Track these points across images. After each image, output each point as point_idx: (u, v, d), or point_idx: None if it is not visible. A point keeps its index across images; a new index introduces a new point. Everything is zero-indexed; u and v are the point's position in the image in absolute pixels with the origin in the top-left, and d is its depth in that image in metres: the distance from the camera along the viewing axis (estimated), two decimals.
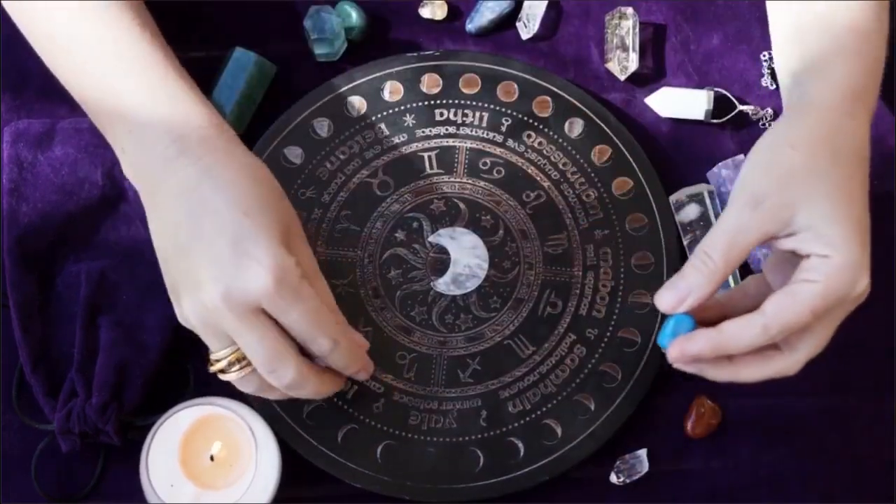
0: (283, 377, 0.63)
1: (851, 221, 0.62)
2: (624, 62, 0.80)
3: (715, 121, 0.80)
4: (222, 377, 0.65)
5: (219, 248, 0.61)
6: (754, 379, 0.64)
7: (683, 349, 0.62)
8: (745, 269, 0.76)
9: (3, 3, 0.69)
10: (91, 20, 0.65)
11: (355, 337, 0.67)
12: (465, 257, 0.76)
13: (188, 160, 0.63)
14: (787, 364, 0.63)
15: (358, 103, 0.79)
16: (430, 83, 0.79)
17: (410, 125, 0.78)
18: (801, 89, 0.67)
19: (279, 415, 0.71)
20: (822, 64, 0.67)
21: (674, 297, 0.62)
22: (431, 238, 0.76)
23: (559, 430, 0.72)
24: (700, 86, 0.81)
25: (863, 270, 0.61)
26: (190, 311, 0.62)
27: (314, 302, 0.63)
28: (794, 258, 0.63)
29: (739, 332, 0.61)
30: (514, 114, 0.79)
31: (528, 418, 0.72)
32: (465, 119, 0.79)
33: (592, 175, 0.78)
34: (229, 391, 0.70)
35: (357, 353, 0.66)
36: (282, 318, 0.62)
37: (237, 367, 0.64)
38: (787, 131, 0.64)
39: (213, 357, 0.64)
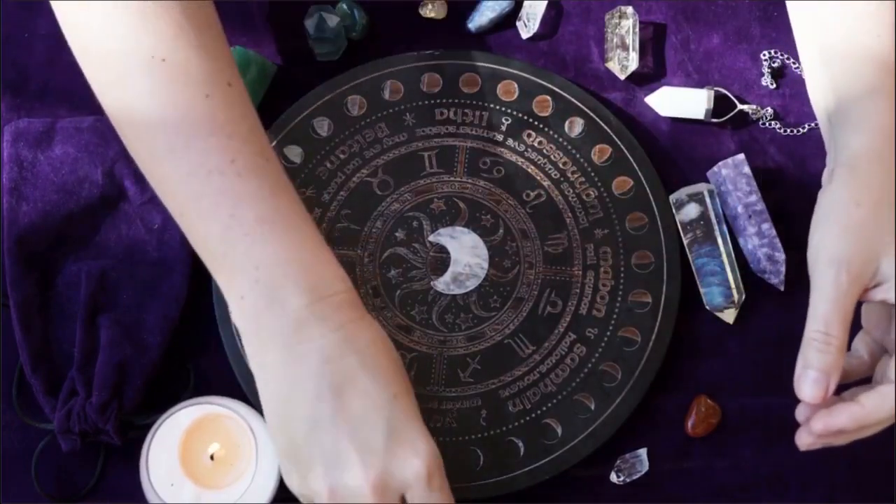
0: None
1: None
2: (624, 61, 0.80)
3: (715, 120, 0.80)
4: None
5: (371, 431, 0.59)
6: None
7: (828, 424, 0.62)
8: (745, 271, 0.76)
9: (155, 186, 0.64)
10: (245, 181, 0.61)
11: None
12: (465, 256, 0.76)
13: (326, 327, 0.60)
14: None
15: (358, 102, 0.79)
16: (431, 82, 0.79)
17: (410, 124, 0.78)
18: (844, 141, 0.67)
19: None
20: (856, 109, 0.67)
21: (818, 388, 0.62)
22: (431, 237, 0.76)
23: (559, 430, 0.72)
24: (700, 85, 0.81)
25: None
26: (323, 485, 0.59)
27: (450, 495, 0.61)
28: (887, 306, 0.65)
29: (881, 403, 0.62)
30: (515, 113, 0.79)
31: (528, 417, 0.72)
32: (465, 118, 0.79)
33: (592, 174, 0.78)
34: (229, 391, 0.71)
35: None
36: None
37: None
38: (846, 190, 0.65)
39: None
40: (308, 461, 0.60)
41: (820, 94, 0.71)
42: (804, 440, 0.64)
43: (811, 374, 0.62)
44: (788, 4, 0.75)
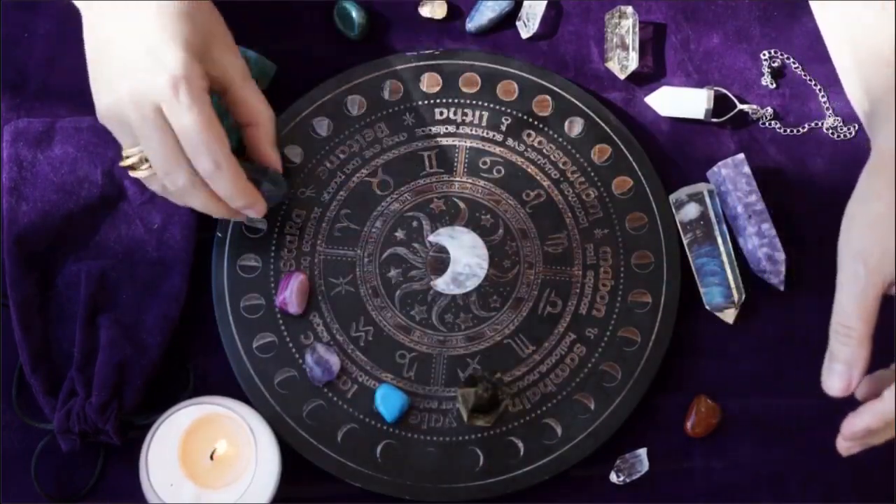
0: (176, 180, 0.67)
1: None
2: (624, 61, 0.80)
3: (715, 120, 0.80)
4: (132, 174, 0.69)
5: (134, 51, 0.66)
6: None
7: (853, 426, 0.63)
8: (745, 271, 0.76)
9: None
10: None
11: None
12: (465, 256, 0.76)
13: None
14: None
15: (358, 102, 0.78)
16: (430, 82, 0.79)
17: (410, 124, 0.78)
18: (874, 135, 0.69)
19: (279, 414, 0.71)
20: (885, 107, 0.68)
21: (841, 380, 0.63)
22: (431, 237, 0.76)
23: (559, 430, 0.72)
24: (700, 85, 0.81)
25: None
26: (104, 104, 0.67)
27: (209, 116, 0.66)
28: None
29: None
30: (514, 113, 0.79)
31: (527, 417, 0.72)
32: (464, 118, 0.79)
33: (592, 174, 0.78)
34: (229, 391, 0.71)
35: (244, 185, 0.69)
36: (175, 122, 0.65)
37: (145, 165, 0.68)
38: (870, 184, 0.66)
39: (124, 153, 0.69)
40: (98, 85, 0.68)
41: (856, 97, 0.72)
42: (840, 445, 0.65)
43: (835, 368, 0.63)
44: (814, 7, 0.75)
